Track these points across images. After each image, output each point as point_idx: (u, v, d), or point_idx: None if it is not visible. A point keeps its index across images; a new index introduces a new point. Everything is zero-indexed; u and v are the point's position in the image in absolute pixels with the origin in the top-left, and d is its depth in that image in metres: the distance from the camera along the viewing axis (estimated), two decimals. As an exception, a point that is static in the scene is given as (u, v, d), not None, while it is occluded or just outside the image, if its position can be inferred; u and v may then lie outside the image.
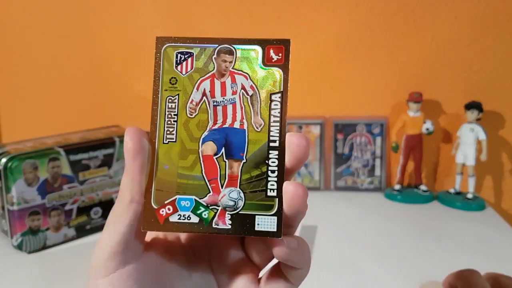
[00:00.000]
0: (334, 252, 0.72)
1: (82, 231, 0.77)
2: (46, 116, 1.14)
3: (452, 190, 0.96)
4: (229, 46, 0.28)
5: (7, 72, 1.14)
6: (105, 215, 0.79)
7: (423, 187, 0.98)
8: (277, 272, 0.29)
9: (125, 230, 0.26)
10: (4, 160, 0.68)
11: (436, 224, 0.84)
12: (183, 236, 0.31)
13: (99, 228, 0.79)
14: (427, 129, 0.97)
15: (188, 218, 0.26)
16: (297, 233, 0.81)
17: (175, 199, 0.27)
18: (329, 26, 1.01)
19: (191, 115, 0.27)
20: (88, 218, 0.78)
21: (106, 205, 0.80)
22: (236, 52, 0.28)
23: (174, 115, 0.27)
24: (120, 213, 0.26)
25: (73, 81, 1.12)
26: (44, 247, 0.73)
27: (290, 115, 1.05)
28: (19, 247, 0.70)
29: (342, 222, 0.85)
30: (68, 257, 0.71)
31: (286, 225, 0.27)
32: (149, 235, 0.30)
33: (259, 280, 0.30)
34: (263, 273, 0.31)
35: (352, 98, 1.04)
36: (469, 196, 0.93)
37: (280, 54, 0.28)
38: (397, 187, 0.98)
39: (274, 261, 0.30)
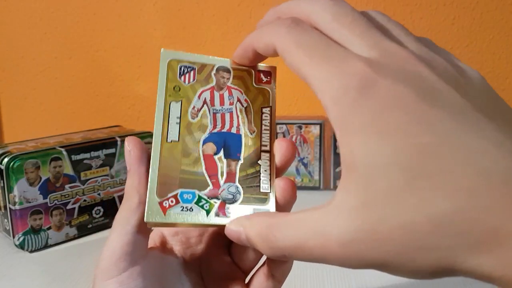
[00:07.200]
0: (333, 251, 0.73)
1: (83, 230, 0.78)
2: (48, 116, 1.15)
3: (451, 190, 0.96)
4: (227, 66, 0.32)
5: (9, 72, 1.14)
6: (106, 215, 0.80)
7: (422, 187, 0.98)
8: (264, 273, 0.31)
9: (134, 230, 0.27)
10: (6, 159, 0.69)
11: (434, 223, 0.84)
12: (176, 246, 0.33)
13: (101, 227, 0.80)
14: (426, 129, 0.97)
15: (191, 209, 0.29)
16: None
17: (178, 192, 0.29)
18: (329, 27, 1.01)
19: (193, 119, 0.31)
20: (90, 218, 0.78)
21: (108, 205, 0.80)
22: (232, 71, 0.33)
23: (177, 117, 0.31)
24: (128, 214, 0.27)
25: (75, 82, 1.12)
26: (46, 246, 0.73)
27: (290, 115, 1.05)
28: (21, 246, 0.71)
29: (341, 221, 0.85)
30: (69, 255, 0.71)
31: None
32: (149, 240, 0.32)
33: (246, 284, 0.32)
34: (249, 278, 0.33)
35: (351, 98, 1.04)
36: (468, 196, 0.93)
37: (268, 77, 0.33)
38: (396, 187, 0.98)
39: (259, 265, 0.32)
